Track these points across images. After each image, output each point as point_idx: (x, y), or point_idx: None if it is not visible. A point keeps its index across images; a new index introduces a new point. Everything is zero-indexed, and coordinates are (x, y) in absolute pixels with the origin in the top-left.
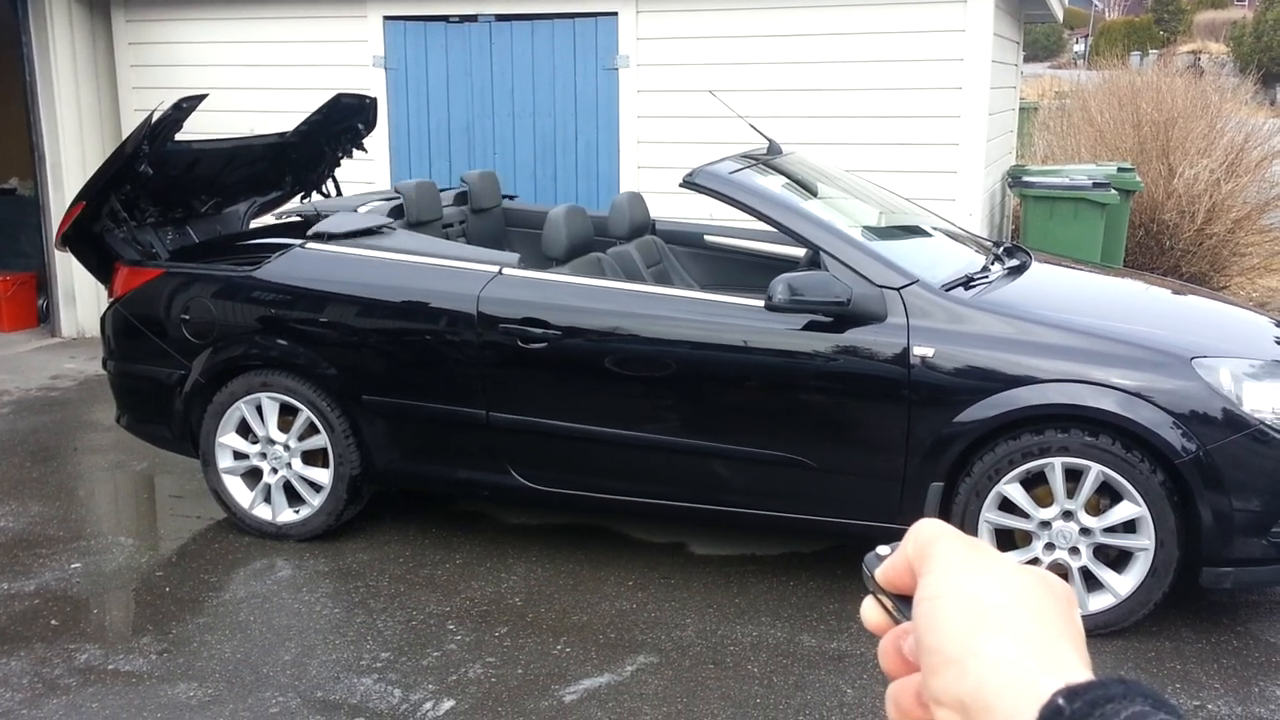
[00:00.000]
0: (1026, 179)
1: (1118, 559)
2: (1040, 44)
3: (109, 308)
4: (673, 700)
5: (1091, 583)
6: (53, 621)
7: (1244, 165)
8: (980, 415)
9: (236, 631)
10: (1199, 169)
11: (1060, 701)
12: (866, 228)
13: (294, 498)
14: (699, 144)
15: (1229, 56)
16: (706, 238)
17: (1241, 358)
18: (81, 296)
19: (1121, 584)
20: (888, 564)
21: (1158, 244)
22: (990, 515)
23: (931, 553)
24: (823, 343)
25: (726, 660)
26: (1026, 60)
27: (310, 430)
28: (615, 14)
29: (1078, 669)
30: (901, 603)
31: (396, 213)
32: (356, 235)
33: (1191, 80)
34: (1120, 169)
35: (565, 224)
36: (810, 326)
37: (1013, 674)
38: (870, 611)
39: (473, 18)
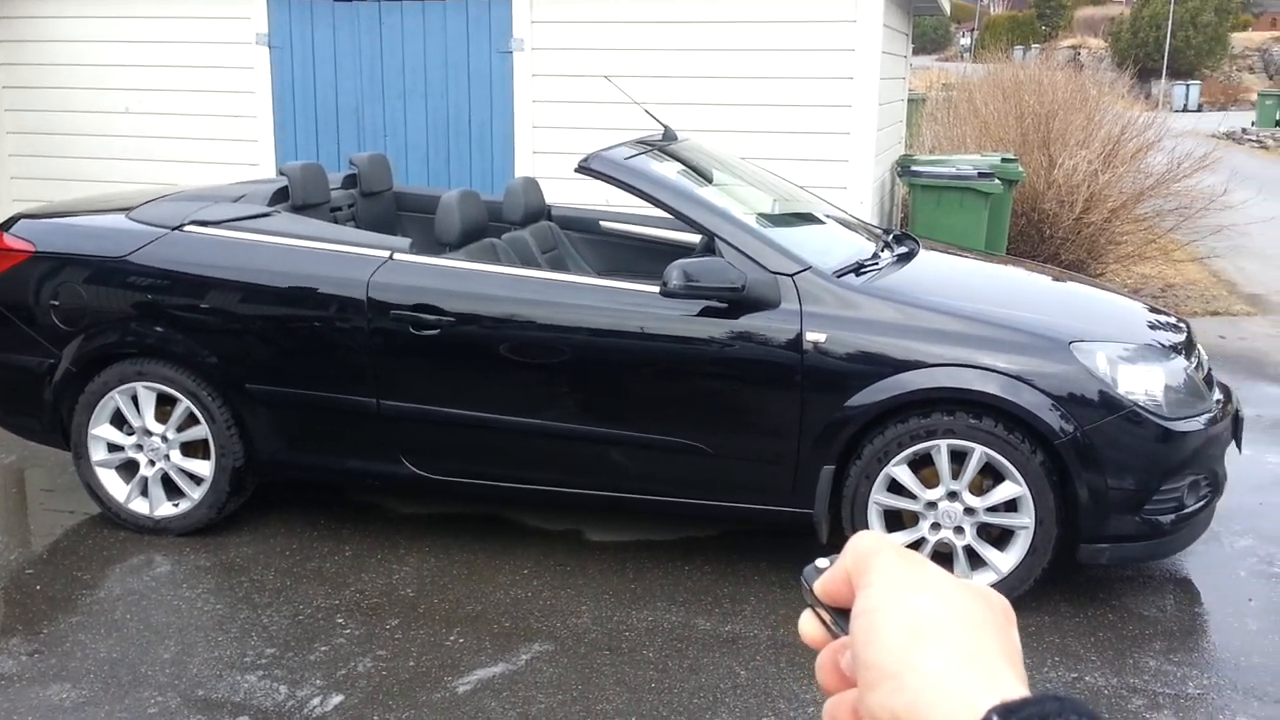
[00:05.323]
0: (915, 168)
1: (1000, 537)
2: (928, 37)
3: None
4: (568, 687)
5: (975, 561)
6: None
7: (1120, 157)
8: (870, 399)
9: (112, 630)
10: (1078, 160)
11: (995, 719)
12: (761, 214)
13: (173, 490)
14: (595, 129)
15: (1107, 51)
16: (602, 224)
17: (1117, 342)
18: None
19: (1003, 561)
20: (826, 577)
21: (1038, 232)
22: (879, 497)
23: (870, 566)
24: (717, 328)
25: (622, 646)
26: (915, 53)
27: (190, 420)
28: None
29: (1014, 685)
30: (840, 616)
31: (281, 196)
32: (238, 220)
33: (1072, 74)
34: (1004, 159)
35: (459, 209)
36: (705, 312)
37: (949, 690)
38: (808, 625)
39: None
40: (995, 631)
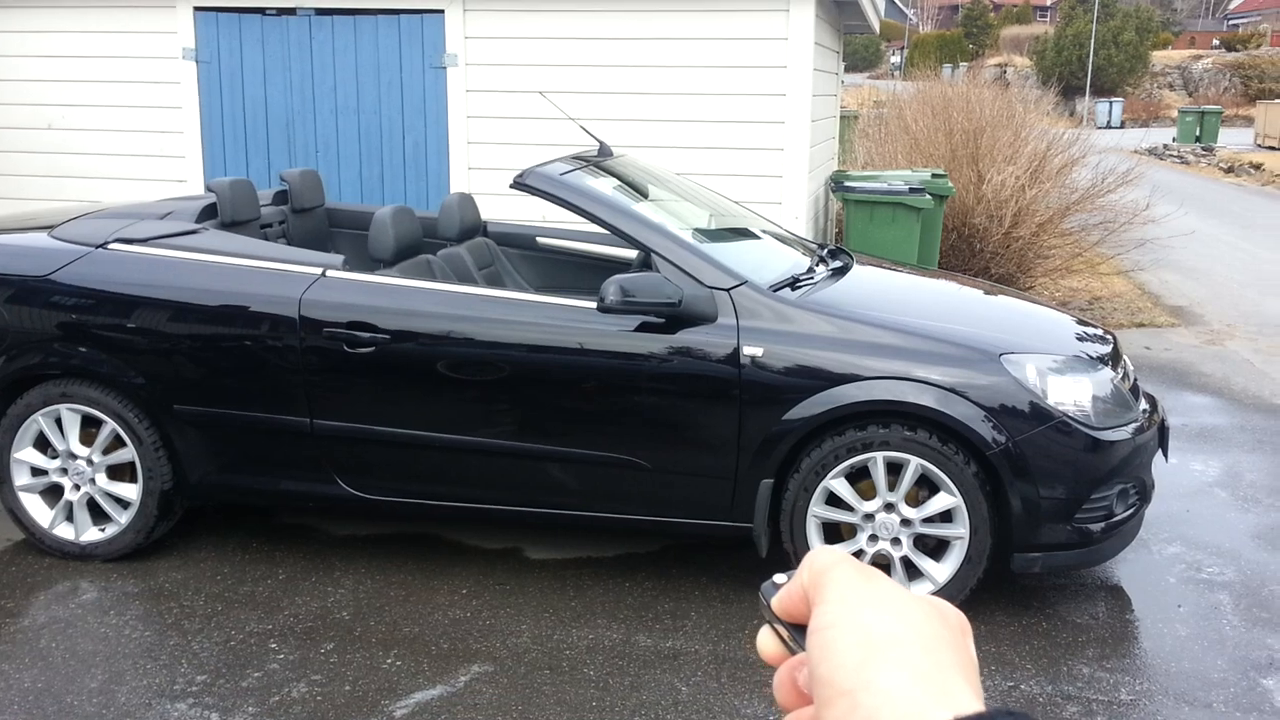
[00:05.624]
0: (848, 184)
1: (936, 548)
2: (860, 55)
3: None
4: (508, 709)
5: (912, 572)
6: None
7: (1046, 172)
8: (807, 413)
9: (37, 660)
10: (1005, 175)
11: None
12: (697, 230)
13: (99, 515)
14: (530, 145)
15: (1032, 69)
16: (538, 239)
17: (1046, 353)
18: None
19: (940, 572)
20: (783, 593)
21: (969, 246)
22: (818, 510)
23: (826, 581)
24: (655, 344)
25: (562, 665)
26: (847, 70)
27: (116, 443)
28: (441, 11)
29: (968, 700)
30: (797, 633)
31: (209, 213)
32: (165, 237)
33: (998, 92)
34: (934, 175)
35: (393, 225)
36: (642, 328)
37: (903, 706)
38: (766, 642)
39: (291, 10)
40: (950, 645)
